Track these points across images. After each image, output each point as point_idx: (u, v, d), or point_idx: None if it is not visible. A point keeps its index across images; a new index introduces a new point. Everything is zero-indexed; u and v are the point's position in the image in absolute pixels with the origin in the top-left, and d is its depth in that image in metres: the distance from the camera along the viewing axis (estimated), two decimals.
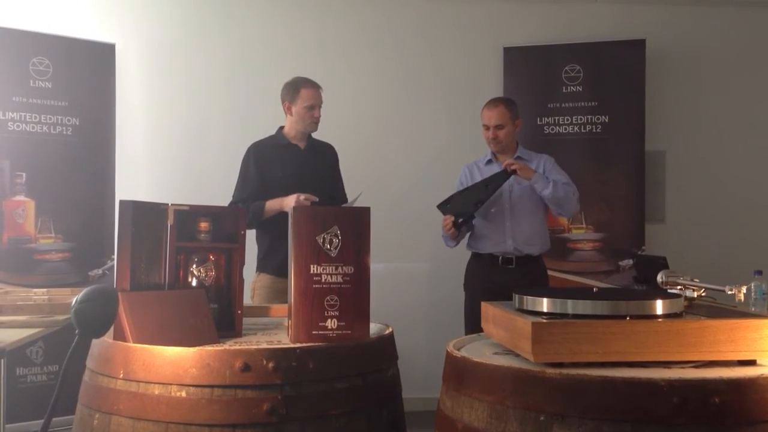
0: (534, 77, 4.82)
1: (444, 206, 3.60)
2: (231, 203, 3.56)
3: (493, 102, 3.71)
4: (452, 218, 3.53)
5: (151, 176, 4.68)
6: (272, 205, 3.46)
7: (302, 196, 3.34)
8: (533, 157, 3.72)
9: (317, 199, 3.38)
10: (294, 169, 3.60)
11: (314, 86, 3.62)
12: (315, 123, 3.64)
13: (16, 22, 4.31)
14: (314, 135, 3.74)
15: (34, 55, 4.24)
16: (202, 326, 2.22)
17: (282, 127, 3.71)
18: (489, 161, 3.73)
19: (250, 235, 3.43)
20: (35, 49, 4.25)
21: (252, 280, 3.62)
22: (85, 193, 4.35)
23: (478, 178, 3.67)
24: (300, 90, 3.60)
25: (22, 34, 4.23)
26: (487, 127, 3.65)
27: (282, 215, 3.33)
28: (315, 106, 3.60)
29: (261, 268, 3.62)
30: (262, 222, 3.51)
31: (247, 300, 3.47)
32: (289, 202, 3.34)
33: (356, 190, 3.54)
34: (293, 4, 4.91)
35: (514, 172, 3.49)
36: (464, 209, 3.54)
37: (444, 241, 3.73)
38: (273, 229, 3.47)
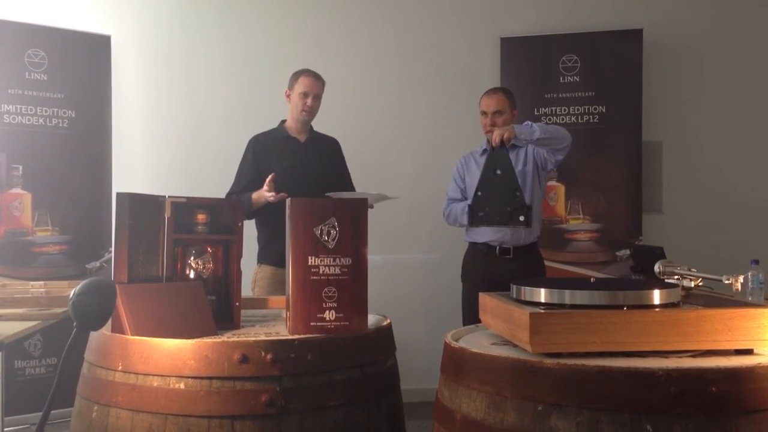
0: (531, 67, 4.82)
1: (477, 220, 3.09)
2: (228, 194, 3.60)
3: (492, 90, 3.71)
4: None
5: (148, 168, 4.67)
6: (256, 198, 3.47)
7: (268, 193, 3.34)
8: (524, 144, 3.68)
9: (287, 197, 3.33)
10: (292, 162, 3.60)
11: (313, 75, 3.65)
12: (307, 112, 3.63)
13: (11, 14, 4.29)
14: (316, 128, 3.75)
15: (29, 47, 4.23)
16: (200, 318, 2.22)
17: (284, 121, 3.73)
18: (485, 151, 3.71)
19: (249, 226, 3.43)
20: (30, 40, 4.23)
21: (253, 271, 3.63)
22: (82, 185, 4.34)
23: (474, 169, 3.65)
24: (299, 77, 3.64)
25: (17, 25, 4.21)
26: (485, 114, 3.63)
27: (282, 207, 3.34)
28: (309, 94, 3.61)
29: (261, 259, 3.64)
30: (262, 214, 3.52)
31: (248, 291, 3.49)
32: (265, 193, 3.36)
33: (354, 180, 3.54)
34: None
35: (503, 144, 3.11)
36: (515, 208, 2.97)
37: (460, 218, 3.67)
38: (272, 221, 3.48)
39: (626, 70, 4.71)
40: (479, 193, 3.07)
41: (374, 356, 2.19)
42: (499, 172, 3.01)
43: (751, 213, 4.86)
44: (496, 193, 2.98)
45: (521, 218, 2.91)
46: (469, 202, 3.21)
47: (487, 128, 3.61)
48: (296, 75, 3.68)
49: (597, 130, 4.73)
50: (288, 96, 3.68)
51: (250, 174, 3.60)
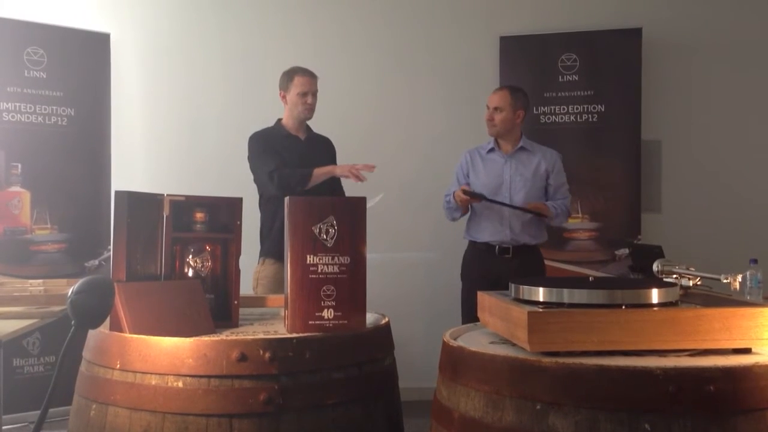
0: (530, 66, 4.81)
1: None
2: (269, 172, 3.52)
3: (500, 87, 3.78)
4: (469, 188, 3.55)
5: (147, 166, 4.67)
6: (321, 171, 3.50)
7: (358, 166, 3.42)
8: (537, 149, 3.72)
9: (374, 168, 3.45)
10: (294, 159, 3.61)
11: (308, 74, 3.63)
12: (308, 110, 3.64)
13: (10, 12, 4.29)
14: (313, 128, 3.75)
15: (28, 44, 4.23)
16: (198, 316, 2.22)
17: (280, 119, 3.72)
18: (491, 149, 3.73)
19: (246, 224, 3.42)
20: (29, 38, 4.23)
21: (255, 269, 3.62)
22: (81, 183, 4.34)
23: (479, 166, 3.71)
24: (293, 78, 3.63)
25: (16, 23, 4.21)
26: (488, 108, 3.68)
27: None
28: (308, 93, 3.61)
29: (265, 253, 3.62)
30: (270, 207, 3.51)
31: (249, 289, 3.48)
32: (342, 169, 3.44)
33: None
34: None
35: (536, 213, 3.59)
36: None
37: (449, 213, 3.74)
38: (278, 216, 3.46)
39: (625, 68, 4.71)
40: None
41: (372, 355, 2.19)
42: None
43: (750, 212, 4.86)
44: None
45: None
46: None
47: (487, 122, 3.69)
48: (289, 75, 3.64)
49: (596, 129, 4.73)
50: (283, 97, 3.66)
51: (279, 153, 3.58)
